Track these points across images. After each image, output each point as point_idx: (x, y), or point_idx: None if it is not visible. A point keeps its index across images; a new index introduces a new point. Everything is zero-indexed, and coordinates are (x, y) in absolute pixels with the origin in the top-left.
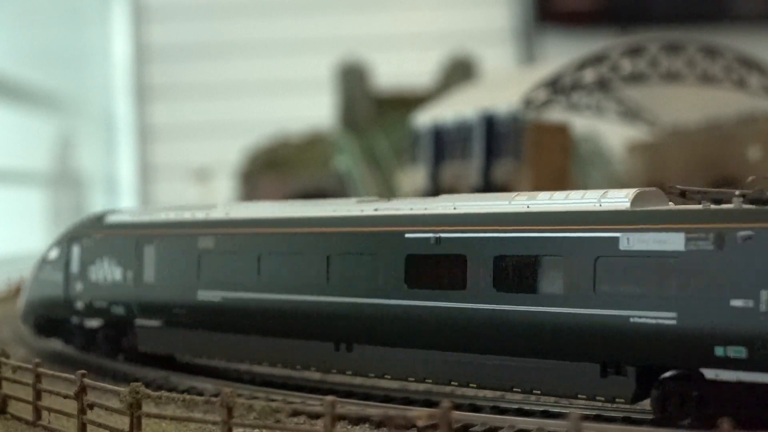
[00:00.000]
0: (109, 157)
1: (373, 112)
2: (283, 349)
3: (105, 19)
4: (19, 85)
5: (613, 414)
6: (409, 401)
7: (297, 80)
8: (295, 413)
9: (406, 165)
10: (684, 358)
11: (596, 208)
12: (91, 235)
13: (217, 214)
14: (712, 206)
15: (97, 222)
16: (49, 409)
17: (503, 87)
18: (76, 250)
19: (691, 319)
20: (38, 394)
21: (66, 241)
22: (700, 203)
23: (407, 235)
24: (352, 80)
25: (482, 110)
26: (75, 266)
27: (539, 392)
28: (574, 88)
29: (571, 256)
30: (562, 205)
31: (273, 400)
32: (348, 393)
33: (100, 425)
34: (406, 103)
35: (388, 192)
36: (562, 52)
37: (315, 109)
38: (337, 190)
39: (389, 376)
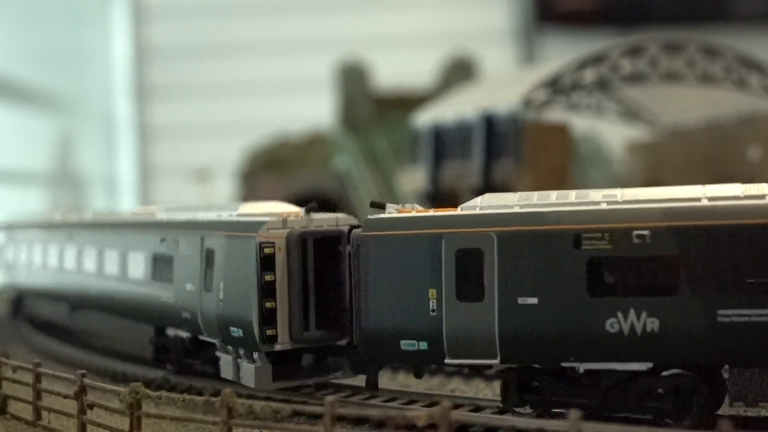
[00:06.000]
0: (109, 157)
1: (373, 112)
2: None
3: (105, 19)
4: (20, 85)
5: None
6: (409, 401)
7: (297, 80)
8: (295, 413)
9: (406, 165)
10: None
11: None
12: None
13: None
14: None
15: None
16: (49, 409)
17: (503, 87)
18: None
19: None
20: (38, 394)
21: None
22: None
23: None
24: (352, 80)
25: (482, 110)
26: None
27: None
28: (574, 88)
29: None
30: None
31: (273, 400)
32: (348, 393)
33: (100, 425)
34: (406, 103)
35: (389, 192)
36: (562, 52)
37: (315, 109)
38: (337, 190)
39: None
